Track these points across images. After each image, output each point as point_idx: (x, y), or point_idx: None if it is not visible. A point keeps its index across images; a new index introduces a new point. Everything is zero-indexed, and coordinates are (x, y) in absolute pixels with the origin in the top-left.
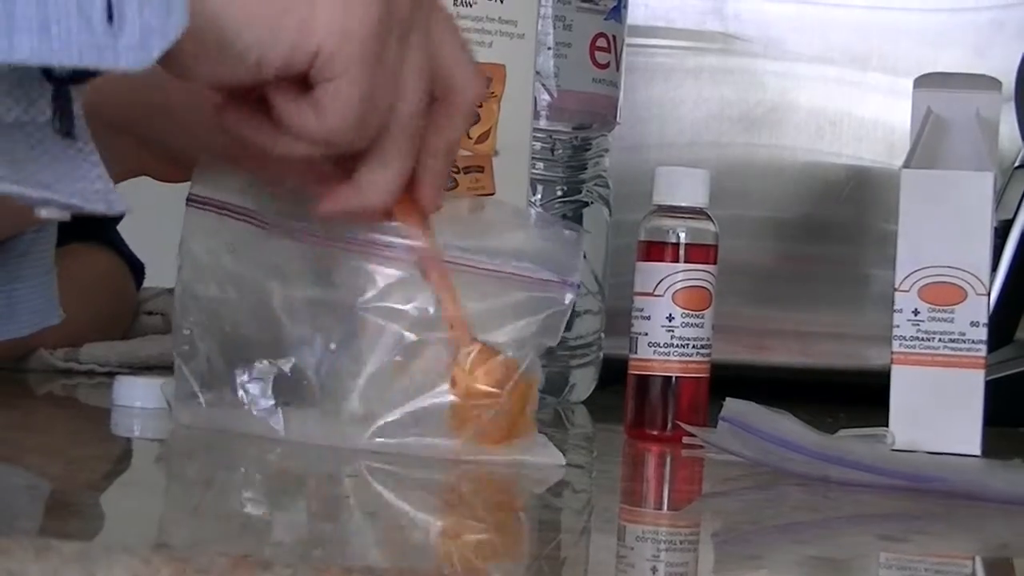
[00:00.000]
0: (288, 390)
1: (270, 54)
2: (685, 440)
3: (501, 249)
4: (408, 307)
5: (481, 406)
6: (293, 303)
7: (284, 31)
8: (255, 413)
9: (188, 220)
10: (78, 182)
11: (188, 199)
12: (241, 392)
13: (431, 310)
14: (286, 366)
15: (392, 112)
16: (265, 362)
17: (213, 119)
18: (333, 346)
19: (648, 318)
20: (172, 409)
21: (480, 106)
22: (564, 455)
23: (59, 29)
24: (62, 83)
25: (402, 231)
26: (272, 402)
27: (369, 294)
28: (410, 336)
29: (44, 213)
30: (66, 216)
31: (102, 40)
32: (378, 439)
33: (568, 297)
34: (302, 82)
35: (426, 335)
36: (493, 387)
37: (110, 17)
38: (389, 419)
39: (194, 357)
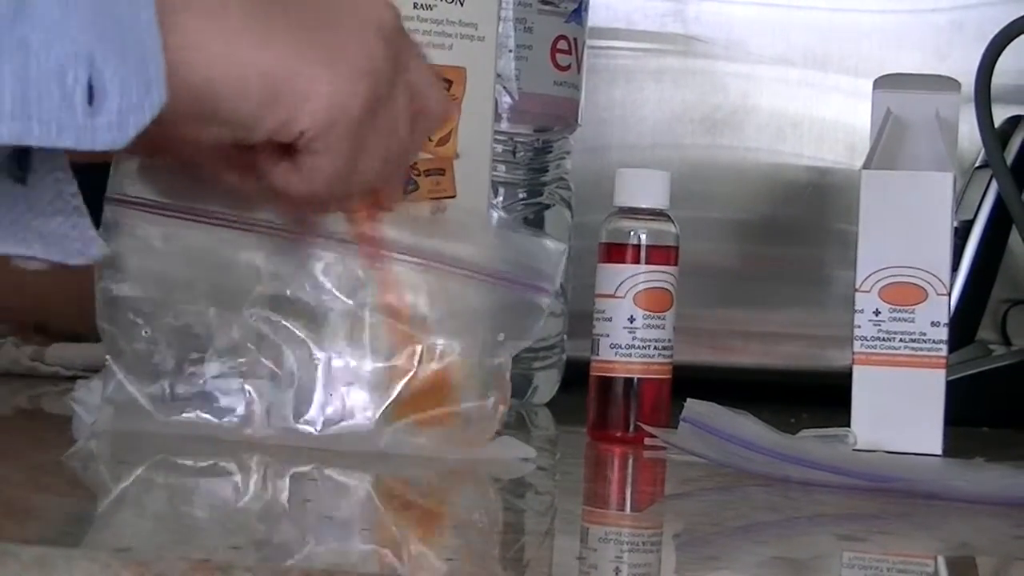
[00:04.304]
0: (234, 388)
1: (259, 128)
2: (647, 441)
3: (477, 254)
4: (350, 297)
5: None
6: (219, 296)
7: (276, 109)
8: (202, 414)
9: (106, 218)
10: (64, 241)
11: (106, 197)
12: (188, 389)
13: (371, 297)
14: (224, 364)
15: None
16: (206, 361)
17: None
18: (273, 339)
19: (609, 320)
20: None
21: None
22: None
23: (39, 111)
24: None
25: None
26: (221, 401)
27: (306, 283)
28: (354, 325)
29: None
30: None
31: (81, 121)
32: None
33: (544, 301)
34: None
35: (373, 318)
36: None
37: (91, 98)
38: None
39: (121, 355)
